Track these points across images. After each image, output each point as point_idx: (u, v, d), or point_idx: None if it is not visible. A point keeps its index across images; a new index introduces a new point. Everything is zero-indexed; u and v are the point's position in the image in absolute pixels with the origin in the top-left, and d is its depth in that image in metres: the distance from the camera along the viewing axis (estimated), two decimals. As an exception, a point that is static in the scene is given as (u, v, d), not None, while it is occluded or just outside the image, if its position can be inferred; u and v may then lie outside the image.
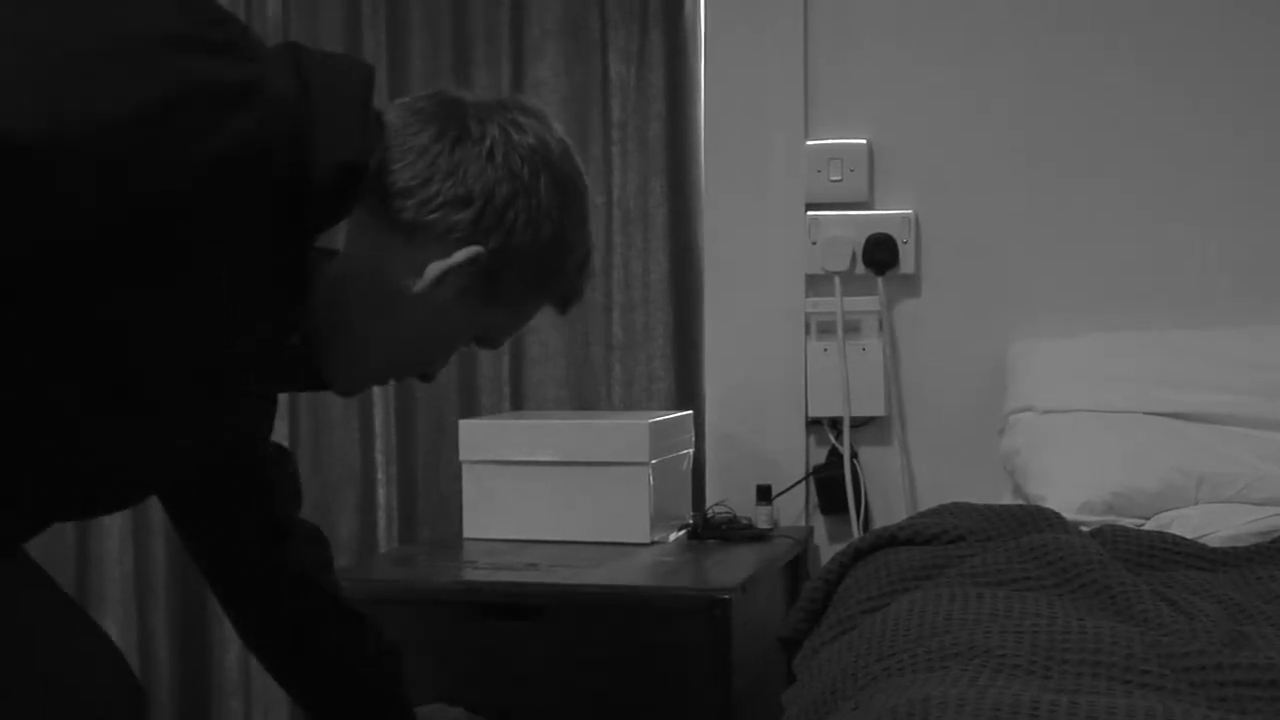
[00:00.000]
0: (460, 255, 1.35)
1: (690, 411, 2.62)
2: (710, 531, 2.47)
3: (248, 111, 1.17)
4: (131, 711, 1.35)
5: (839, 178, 2.62)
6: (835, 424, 2.64)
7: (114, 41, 1.13)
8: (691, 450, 2.59)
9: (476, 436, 2.46)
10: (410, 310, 1.38)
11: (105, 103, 1.10)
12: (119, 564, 2.87)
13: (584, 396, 2.80)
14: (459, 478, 2.49)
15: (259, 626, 1.75)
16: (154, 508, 2.87)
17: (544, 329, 2.79)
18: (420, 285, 1.36)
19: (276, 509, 1.72)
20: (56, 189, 1.09)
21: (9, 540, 1.35)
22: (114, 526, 2.86)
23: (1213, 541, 1.95)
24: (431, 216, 1.34)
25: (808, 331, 2.64)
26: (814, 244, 2.62)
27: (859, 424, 2.64)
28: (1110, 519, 2.10)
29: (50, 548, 2.87)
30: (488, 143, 1.37)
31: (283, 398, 2.84)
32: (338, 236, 1.32)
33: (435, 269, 1.35)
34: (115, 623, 2.88)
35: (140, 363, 1.24)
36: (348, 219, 1.31)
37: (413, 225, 1.34)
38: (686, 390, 2.75)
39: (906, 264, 2.61)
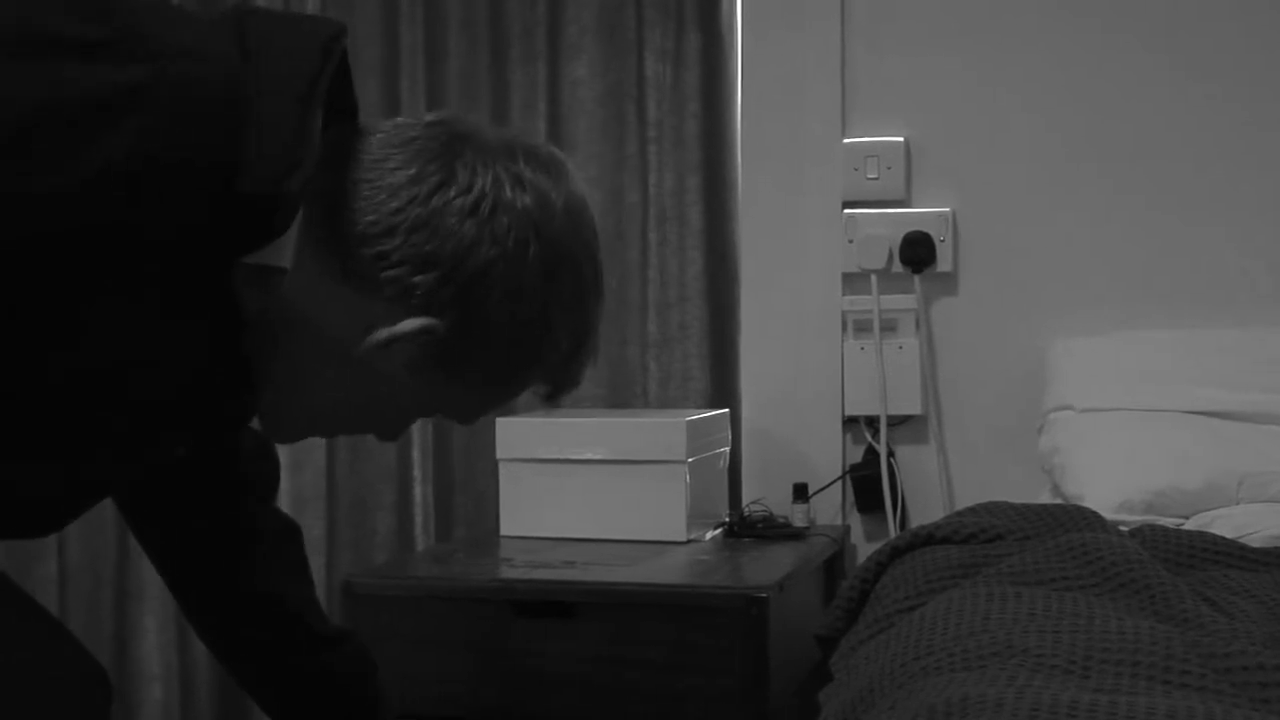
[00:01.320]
0: (408, 325, 1.16)
1: (726, 410, 2.62)
2: (747, 530, 2.46)
3: (126, 123, 1.00)
4: (94, 692, 1.26)
5: (876, 175, 2.61)
6: (872, 422, 2.63)
7: None
8: (728, 448, 2.59)
9: (513, 435, 2.46)
10: (353, 375, 1.20)
11: None
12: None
13: (620, 395, 2.80)
14: (495, 475, 2.49)
15: (223, 642, 1.63)
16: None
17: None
18: (362, 350, 1.18)
19: (243, 508, 1.59)
20: None
21: None
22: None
23: (1254, 541, 1.94)
24: (387, 273, 1.15)
25: (844, 330, 2.63)
26: (851, 242, 2.61)
27: (896, 422, 2.63)
28: (1150, 518, 2.09)
29: (91, 542, 2.89)
30: (473, 195, 1.15)
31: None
32: (283, 253, 1.14)
33: (379, 336, 1.17)
34: (155, 620, 2.89)
35: (43, 398, 1.11)
36: (296, 234, 1.13)
37: (363, 278, 1.15)
38: (722, 388, 2.74)
39: (944, 262, 2.60)
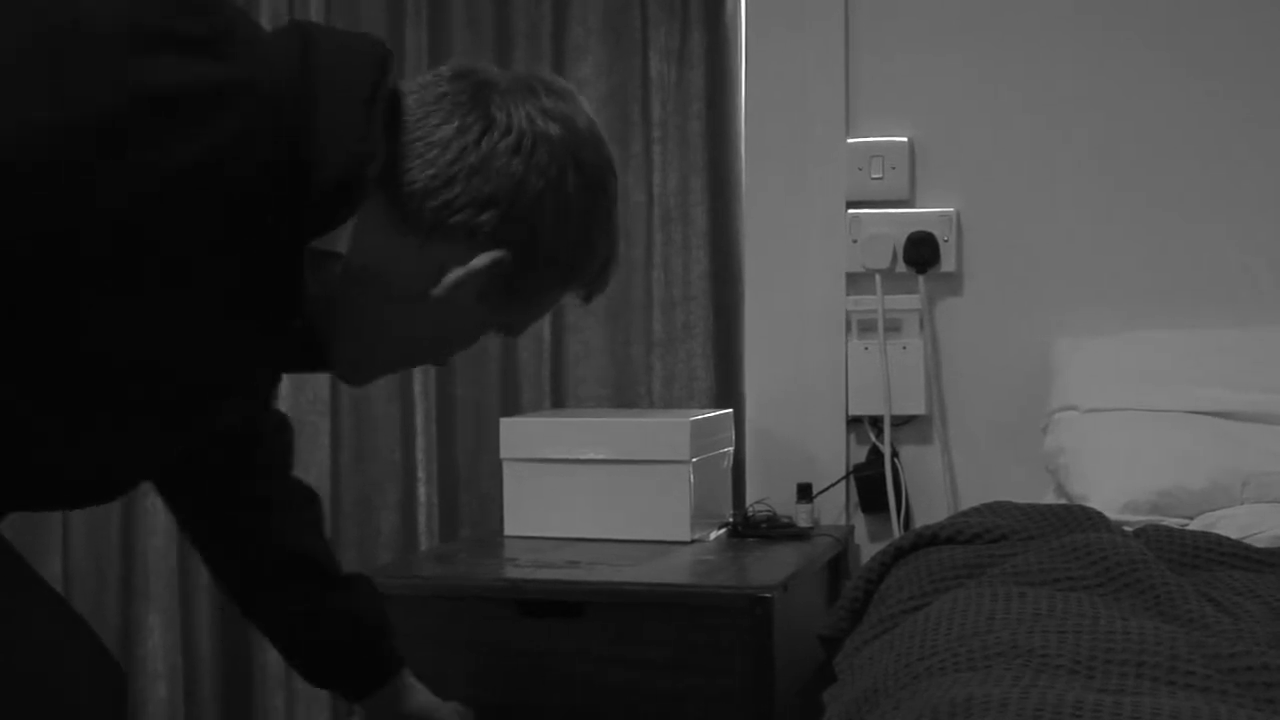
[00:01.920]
0: (483, 259, 1.28)
1: (730, 410, 2.62)
2: (751, 530, 2.46)
3: (226, 117, 1.08)
4: (109, 687, 1.31)
5: (880, 175, 2.61)
6: (876, 422, 2.63)
7: (67, 40, 1.05)
8: (732, 448, 2.59)
9: (517, 434, 2.47)
10: (426, 313, 1.31)
11: (56, 115, 1.03)
12: (164, 559, 2.89)
13: (624, 394, 2.81)
14: (499, 475, 2.49)
15: (241, 591, 1.73)
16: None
17: (585, 328, 2.79)
18: (439, 290, 1.28)
19: (259, 482, 1.69)
20: (10, 206, 1.03)
21: None
22: (158, 523, 2.87)
23: (1259, 541, 1.94)
24: (455, 219, 1.26)
25: (848, 330, 2.63)
26: (855, 242, 2.61)
27: (900, 422, 2.63)
28: (1154, 519, 2.09)
29: (96, 541, 2.90)
30: (514, 135, 1.27)
31: (324, 392, 2.86)
32: (340, 238, 1.23)
33: (455, 275, 1.28)
34: (160, 618, 2.90)
35: (114, 370, 1.17)
36: (354, 218, 1.22)
37: (432, 227, 1.26)
38: (727, 388, 2.75)
39: (948, 262, 2.60)
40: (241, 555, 1.71)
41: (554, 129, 1.30)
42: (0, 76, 1.03)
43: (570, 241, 1.33)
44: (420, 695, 1.83)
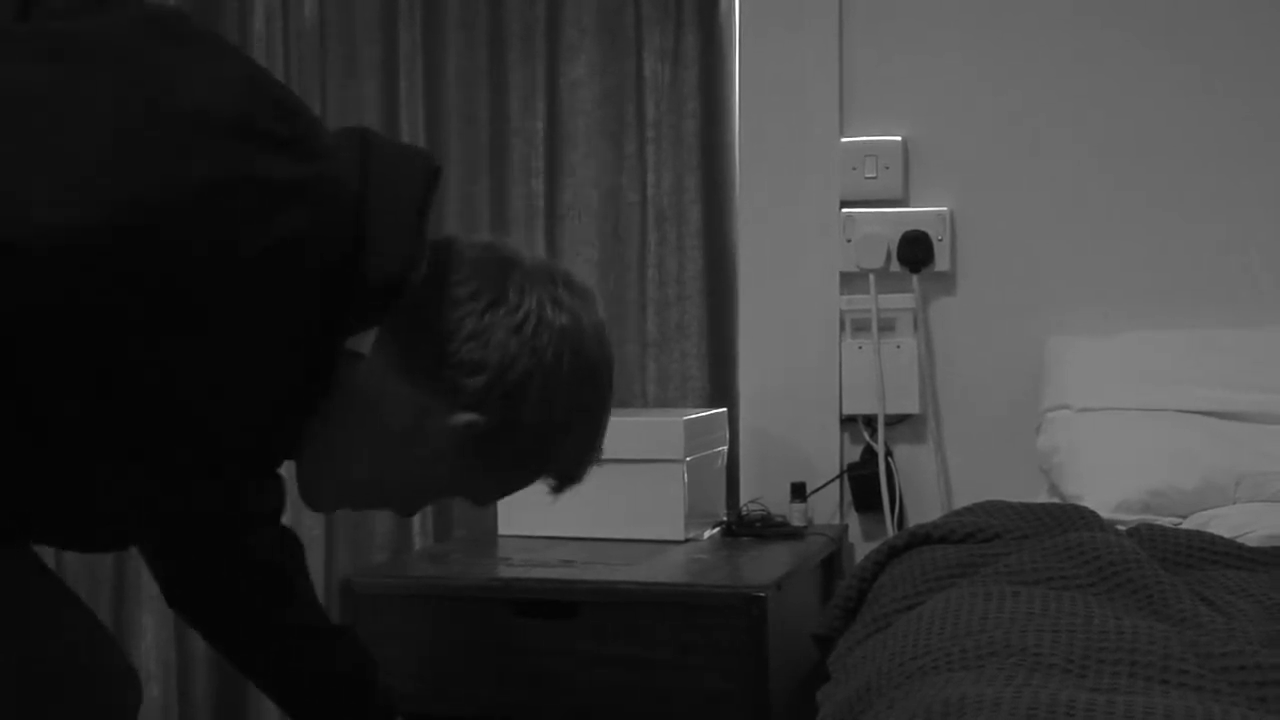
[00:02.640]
0: (460, 419, 1.33)
1: (724, 409, 2.62)
2: (744, 529, 2.47)
3: (299, 209, 1.16)
4: (124, 693, 1.34)
5: (874, 175, 2.61)
6: (870, 422, 2.64)
7: (174, 123, 1.12)
8: (726, 448, 2.59)
9: (511, 434, 2.46)
10: (397, 455, 1.36)
11: (155, 187, 1.09)
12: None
13: (618, 394, 2.77)
14: (494, 475, 2.48)
15: (224, 644, 1.77)
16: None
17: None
18: (415, 434, 1.34)
19: (251, 535, 1.70)
20: (99, 273, 1.08)
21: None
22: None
23: (1251, 541, 1.94)
24: (443, 373, 1.32)
25: (842, 329, 2.64)
26: (849, 241, 2.62)
27: (893, 422, 2.63)
28: (1147, 518, 2.09)
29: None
30: (520, 314, 1.34)
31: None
32: (367, 341, 1.30)
33: (430, 424, 1.33)
34: (153, 619, 2.90)
35: (159, 429, 1.23)
36: (379, 328, 1.30)
37: (425, 373, 1.32)
38: (721, 387, 2.75)
39: (942, 261, 2.60)
40: (229, 629, 1.75)
41: (561, 318, 1.36)
42: (124, 144, 1.09)
43: (551, 426, 1.38)
44: None
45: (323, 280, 1.19)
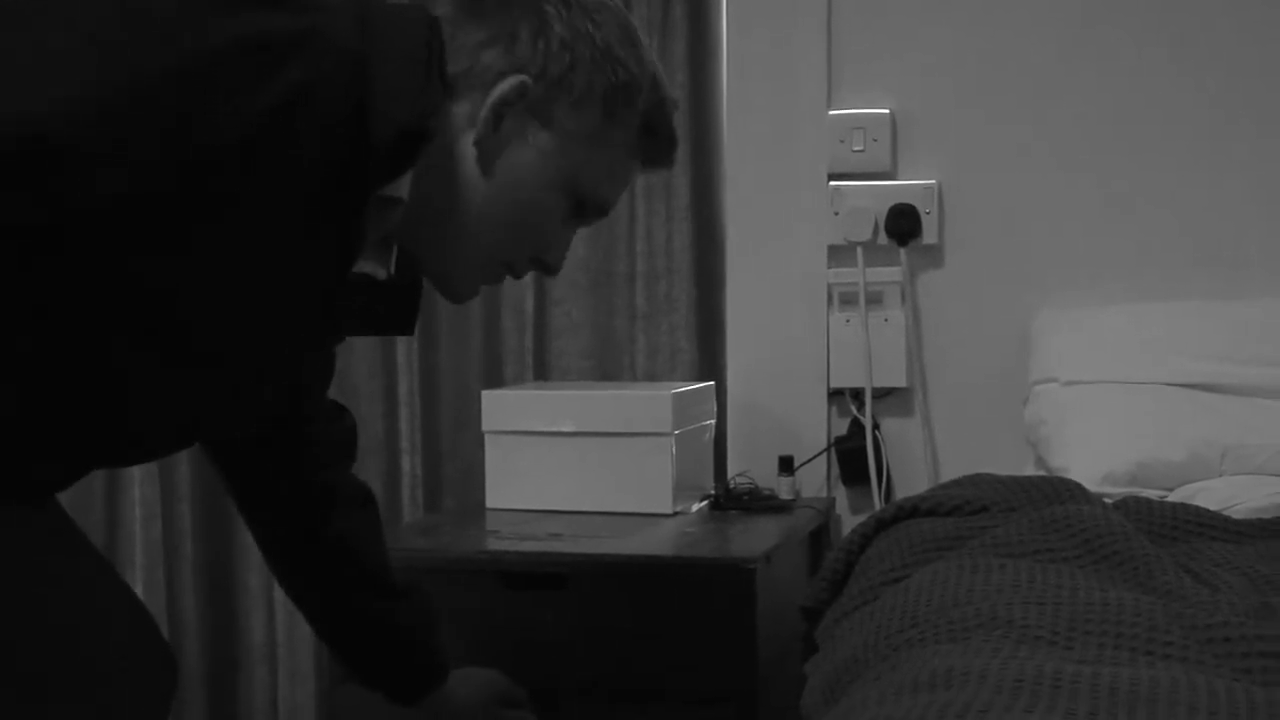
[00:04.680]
0: (504, 85, 1.30)
1: (712, 382, 2.62)
2: (732, 502, 2.47)
3: (301, 60, 1.13)
4: (161, 677, 1.35)
5: (861, 148, 2.61)
6: (857, 395, 2.64)
7: (155, 4, 1.10)
8: (714, 421, 2.59)
9: (499, 407, 2.47)
10: (487, 182, 1.33)
11: (148, 68, 1.08)
12: (148, 535, 2.88)
13: (607, 367, 2.81)
14: (483, 447, 2.49)
15: (293, 581, 1.77)
16: (181, 475, 2.88)
17: (568, 300, 2.79)
18: (477, 133, 1.31)
19: (321, 471, 1.71)
20: (103, 157, 1.07)
21: (48, 490, 1.35)
22: (141, 494, 2.87)
23: (1237, 513, 1.95)
24: (465, 64, 1.30)
25: (830, 302, 2.64)
26: (836, 214, 2.62)
27: (881, 395, 2.64)
28: (1134, 490, 2.10)
29: (79, 520, 2.88)
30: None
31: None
32: (402, 185, 1.27)
33: (484, 113, 1.30)
34: (143, 589, 2.89)
35: (192, 313, 1.22)
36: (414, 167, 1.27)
37: (453, 82, 1.30)
38: (709, 361, 2.75)
39: (929, 234, 2.60)
40: (299, 553, 1.74)
41: None
42: (93, 33, 1.08)
43: (590, 60, 1.34)
44: (478, 703, 1.87)
45: (336, 135, 1.17)
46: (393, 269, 1.39)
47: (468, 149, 1.32)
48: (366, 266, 1.35)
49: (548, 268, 1.43)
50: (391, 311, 1.45)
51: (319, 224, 1.22)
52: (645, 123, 1.39)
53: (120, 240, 1.13)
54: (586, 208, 1.41)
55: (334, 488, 1.73)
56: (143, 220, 1.12)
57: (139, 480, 2.86)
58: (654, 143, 1.42)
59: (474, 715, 1.86)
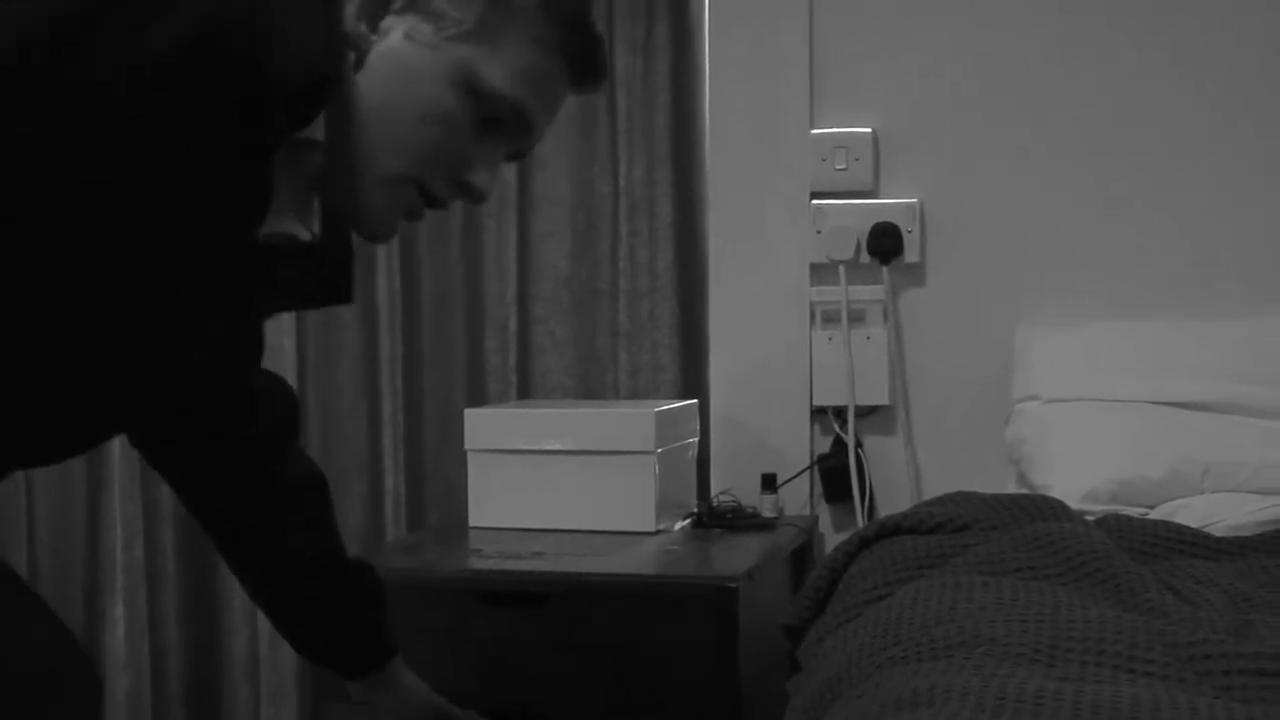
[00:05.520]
0: None
1: (695, 400, 2.63)
2: (715, 520, 2.47)
3: (196, 4, 1.06)
4: (87, 693, 1.28)
5: (844, 166, 2.62)
6: (840, 413, 2.64)
7: None
8: (697, 439, 2.60)
9: (482, 425, 2.47)
10: (378, 78, 1.23)
11: (39, 9, 1.02)
12: (129, 550, 2.87)
13: (590, 385, 2.81)
14: (466, 465, 2.49)
15: (232, 557, 1.72)
16: (163, 495, 2.87)
17: (551, 318, 2.80)
18: (353, 36, 1.22)
19: (265, 451, 1.65)
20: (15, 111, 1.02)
21: None
22: (122, 514, 2.86)
23: (1218, 531, 1.96)
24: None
25: (812, 320, 2.64)
26: (819, 233, 2.62)
27: (863, 413, 2.64)
28: (1115, 508, 2.10)
29: (61, 530, 2.88)
30: None
31: (290, 380, 2.84)
32: (316, 126, 1.20)
33: (364, 10, 1.22)
34: (124, 609, 2.89)
35: (96, 291, 1.15)
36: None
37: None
38: (692, 379, 2.75)
39: (911, 253, 2.61)
40: (241, 536, 1.70)
41: None
42: None
43: None
44: (424, 692, 1.82)
45: (237, 74, 1.09)
46: (316, 229, 1.31)
47: (350, 59, 1.23)
48: (286, 224, 1.27)
49: (470, 191, 1.30)
50: (324, 280, 1.36)
51: (223, 173, 1.14)
52: (544, 6, 1.28)
53: (20, 200, 1.07)
54: (497, 113, 1.28)
55: (278, 472, 1.67)
56: (43, 173, 1.06)
57: (120, 499, 2.85)
58: (564, 33, 1.29)
59: (425, 699, 1.82)
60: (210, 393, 1.50)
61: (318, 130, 1.20)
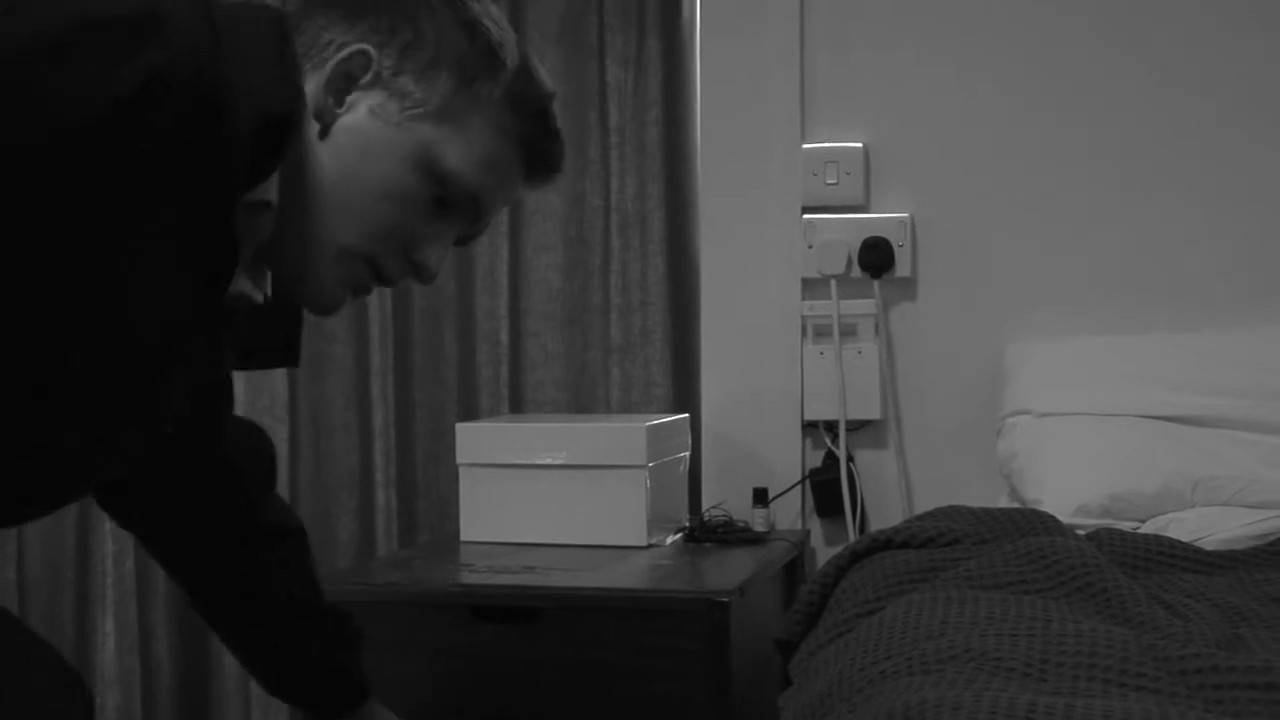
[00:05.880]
0: (344, 54, 1.22)
1: (687, 415, 2.63)
2: (707, 534, 2.47)
3: (156, 45, 1.03)
4: (76, 708, 1.24)
5: (835, 181, 2.62)
6: (831, 427, 2.65)
7: None
8: (688, 453, 2.60)
9: (474, 439, 2.46)
10: (339, 151, 1.23)
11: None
12: (119, 565, 2.87)
13: (582, 399, 2.81)
14: (458, 480, 2.49)
15: (201, 605, 1.70)
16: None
17: (543, 333, 2.80)
18: (319, 106, 1.22)
19: (239, 502, 1.63)
20: None
21: None
22: (113, 528, 2.86)
23: (1209, 544, 1.96)
24: (309, 44, 1.22)
25: (804, 335, 2.64)
26: (810, 247, 2.63)
27: (855, 427, 2.64)
28: (1106, 522, 2.11)
29: (51, 547, 2.88)
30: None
31: (282, 397, 2.85)
32: (270, 188, 1.18)
33: (324, 79, 1.21)
34: (115, 624, 2.88)
35: (50, 336, 1.11)
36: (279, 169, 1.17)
37: (315, 81, 1.22)
38: (684, 393, 2.76)
39: (902, 267, 2.61)
40: (212, 585, 1.67)
41: None
42: None
43: (437, 28, 1.26)
44: None
45: (194, 127, 1.06)
46: (268, 290, 1.29)
47: (313, 130, 1.23)
48: (243, 285, 1.25)
49: (420, 270, 1.30)
50: (271, 341, 1.36)
51: (187, 229, 1.13)
52: (509, 95, 1.28)
53: None
54: (453, 197, 1.29)
55: (256, 520, 1.65)
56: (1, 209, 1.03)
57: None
58: (526, 125, 1.30)
59: None
60: (188, 437, 1.47)
61: (271, 192, 1.19)
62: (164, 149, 1.06)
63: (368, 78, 1.24)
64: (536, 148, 1.33)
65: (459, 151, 1.27)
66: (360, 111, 1.24)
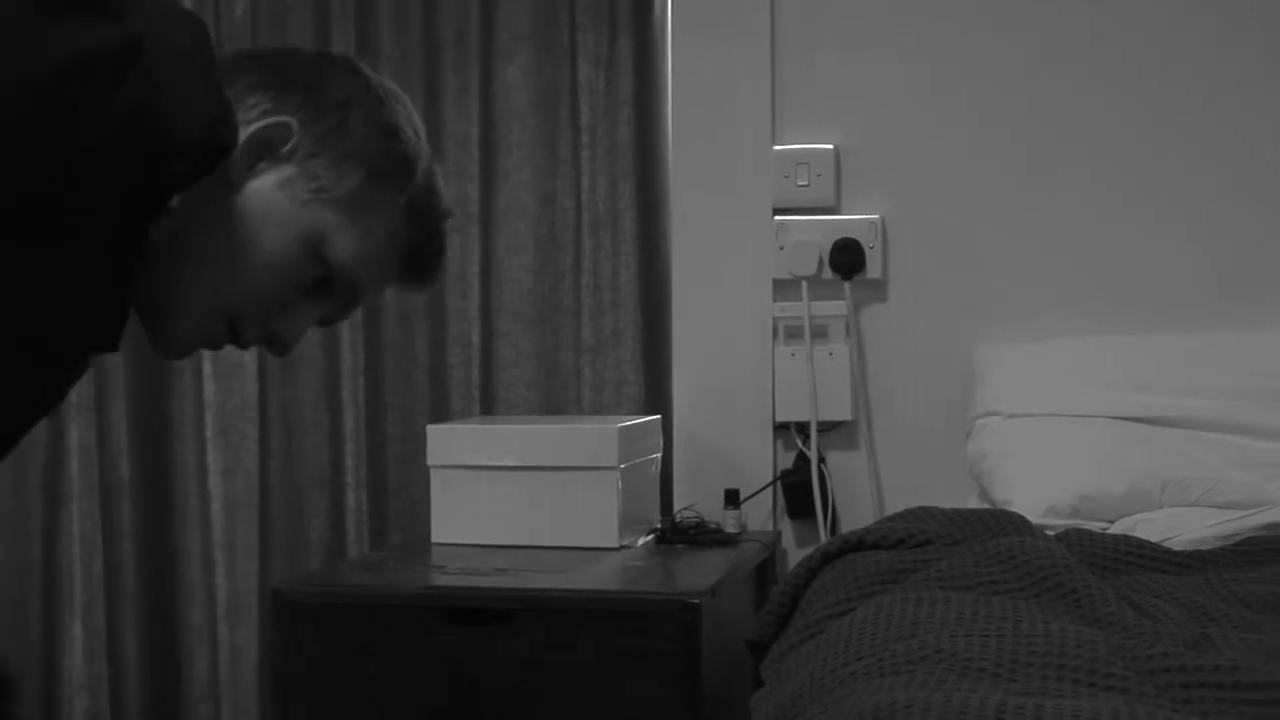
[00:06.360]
0: (265, 122, 1.23)
1: (658, 416, 2.63)
2: (678, 536, 2.47)
3: (133, 77, 1.07)
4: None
5: (806, 182, 2.63)
6: (803, 429, 2.65)
7: None
8: (660, 454, 2.60)
9: (444, 441, 2.46)
10: (236, 212, 1.24)
11: None
12: (87, 569, 2.85)
13: (554, 400, 2.81)
14: (429, 481, 2.48)
15: None
16: (123, 511, 2.86)
17: (514, 333, 2.79)
18: (235, 169, 1.22)
19: None
20: None
21: None
22: (81, 531, 2.84)
23: (1177, 545, 1.97)
24: (230, 91, 1.23)
25: (775, 336, 2.65)
26: (781, 249, 2.63)
27: (826, 429, 2.65)
28: (1076, 522, 2.12)
29: (18, 552, 2.86)
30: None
31: (252, 399, 2.84)
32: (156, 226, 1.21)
33: (240, 143, 1.22)
34: (83, 628, 2.87)
35: None
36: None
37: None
38: (655, 394, 2.75)
39: (873, 269, 2.62)
40: None
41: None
42: None
43: (369, 124, 1.28)
44: None
45: (142, 150, 1.10)
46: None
47: (221, 186, 1.24)
48: None
49: (275, 341, 1.32)
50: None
51: (106, 241, 1.16)
52: (411, 204, 1.31)
53: None
54: (332, 283, 1.30)
55: None
56: None
57: (78, 516, 2.83)
58: (416, 236, 1.33)
59: None
60: None
61: (175, 198, 1.20)
62: (122, 175, 1.10)
63: (285, 150, 1.25)
64: (419, 259, 1.35)
65: (351, 244, 1.29)
66: (269, 180, 1.25)
